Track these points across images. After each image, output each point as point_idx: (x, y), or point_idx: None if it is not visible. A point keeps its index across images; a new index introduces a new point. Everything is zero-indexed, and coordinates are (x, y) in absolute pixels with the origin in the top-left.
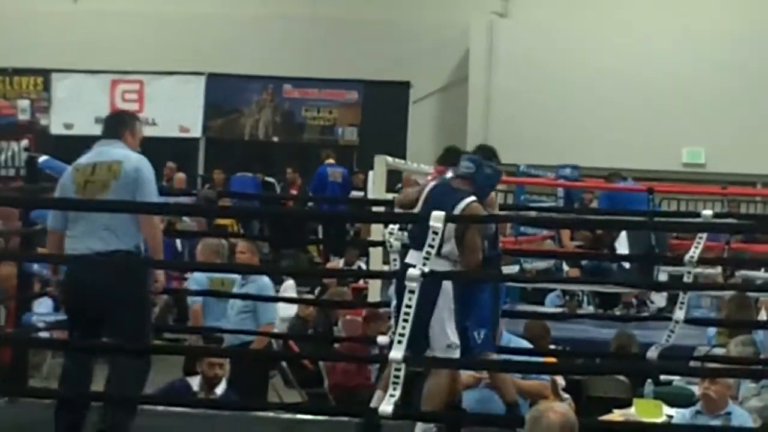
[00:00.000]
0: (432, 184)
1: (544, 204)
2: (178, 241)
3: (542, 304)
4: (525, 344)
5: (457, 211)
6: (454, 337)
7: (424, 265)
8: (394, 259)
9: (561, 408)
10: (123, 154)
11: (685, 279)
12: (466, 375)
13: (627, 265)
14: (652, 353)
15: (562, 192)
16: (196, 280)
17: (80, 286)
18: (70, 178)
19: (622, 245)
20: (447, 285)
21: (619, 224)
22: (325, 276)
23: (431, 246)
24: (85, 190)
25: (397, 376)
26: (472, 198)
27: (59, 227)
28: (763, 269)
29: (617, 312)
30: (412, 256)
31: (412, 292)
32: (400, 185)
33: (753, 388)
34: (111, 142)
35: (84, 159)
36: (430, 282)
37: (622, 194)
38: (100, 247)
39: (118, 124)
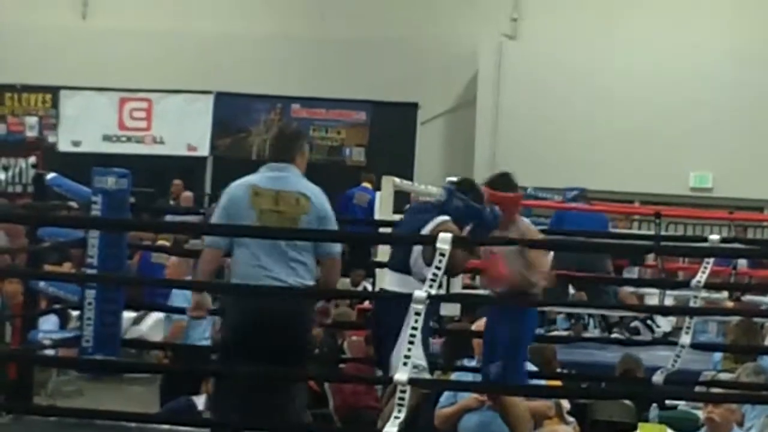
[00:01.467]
0: (408, 206)
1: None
2: None
3: (547, 326)
4: (529, 367)
5: (426, 230)
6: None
7: (430, 287)
8: None
9: (564, 429)
10: (306, 186)
11: (692, 304)
12: (471, 398)
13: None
14: (658, 378)
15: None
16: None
17: (270, 316)
18: (246, 200)
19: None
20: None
21: (621, 249)
22: (327, 297)
23: (438, 268)
24: (270, 220)
25: (402, 398)
26: (445, 218)
27: (223, 246)
28: None
29: (618, 334)
30: (389, 278)
31: (418, 314)
32: (408, 206)
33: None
34: (286, 167)
35: (260, 181)
36: (406, 305)
37: (574, 215)
38: (293, 281)
39: (291, 146)
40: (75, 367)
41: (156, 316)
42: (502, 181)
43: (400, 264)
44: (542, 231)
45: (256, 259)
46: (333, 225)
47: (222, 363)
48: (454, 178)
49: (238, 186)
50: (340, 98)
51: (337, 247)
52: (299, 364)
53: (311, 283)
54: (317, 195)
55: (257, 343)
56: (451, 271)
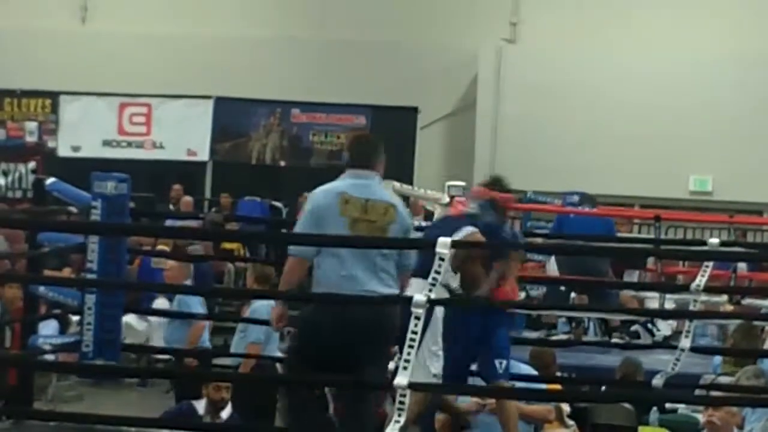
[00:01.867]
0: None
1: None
2: None
3: (547, 330)
4: (528, 370)
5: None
6: (435, 369)
7: (430, 291)
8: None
9: None
10: (391, 196)
11: (691, 307)
12: (471, 402)
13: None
14: (658, 381)
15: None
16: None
17: (358, 325)
18: (335, 207)
19: (551, 268)
20: (437, 314)
21: (619, 252)
22: (328, 302)
23: (437, 272)
24: (358, 229)
25: (402, 403)
26: (474, 229)
27: (309, 256)
28: None
29: (618, 338)
30: (414, 285)
31: (418, 318)
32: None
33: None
34: (370, 175)
35: (348, 188)
36: (428, 310)
37: (579, 219)
38: (383, 290)
39: (374, 153)
40: (76, 372)
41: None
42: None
43: (424, 271)
44: (544, 235)
45: (346, 269)
46: (411, 233)
47: (299, 371)
48: (488, 179)
49: (324, 192)
50: (340, 103)
51: (413, 260)
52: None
53: (397, 291)
54: (401, 205)
55: (349, 352)
56: (471, 287)
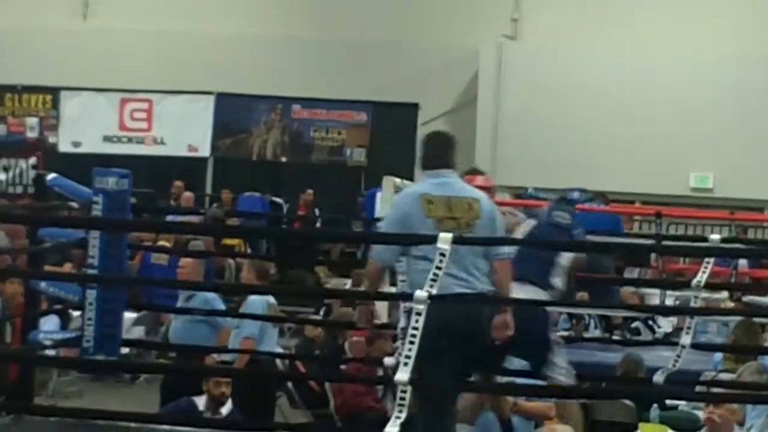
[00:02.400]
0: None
1: None
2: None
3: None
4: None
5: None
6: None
7: (431, 286)
8: (402, 281)
9: (562, 429)
10: (472, 190)
11: (692, 304)
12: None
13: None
14: (659, 378)
15: None
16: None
17: (478, 324)
18: (419, 207)
19: None
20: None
21: (620, 248)
22: (330, 297)
23: (438, 267)
24: (444, 227)
25: (402, 398)
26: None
27: (390, 260)
28: None
29: (619, 335)
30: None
31: (418, 314)
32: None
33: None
34: (449, 173)
35: (429, 189)
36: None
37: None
38: (481, 286)
39: (450, 151)
40: (76, 368)
41: None
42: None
43: (529, 274)
44: None
45: (448, 269)
46: (501, 226)
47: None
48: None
49: (407, 197)
50: (341, 99)
51: (506, 248)
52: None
53: (491, 288)
54: (484, 198)
55: (460, 351)
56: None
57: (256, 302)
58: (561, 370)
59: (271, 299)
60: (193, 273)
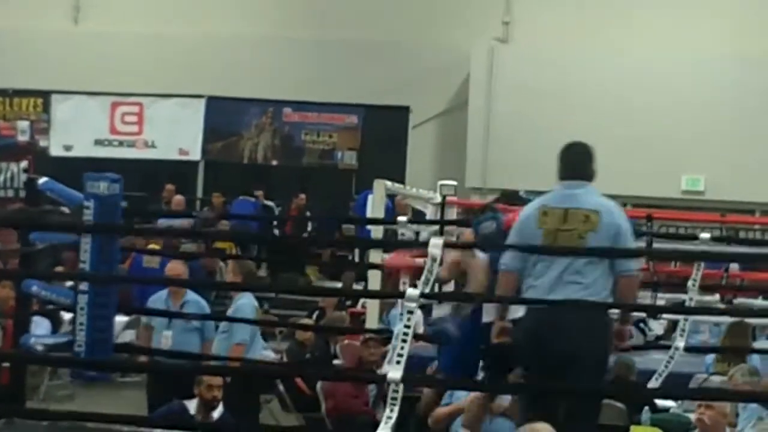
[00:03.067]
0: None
1: None
2: None
3: None
4: None
5: None
6: None
7: (423, 288)
8: (404, 282)
9: (543, 427)
10: (599, 202)
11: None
12: (465, 400)
13: None
14: (653, 383)
15: None
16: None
17: (552, 332)
18: (534, 219)
19: None
20: None
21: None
22: (321, 295)
23: (430, 272)
24: (556, 239)
25: (394, 398)
26: None
27: (516, 268)
28: (761, 297)
29: None
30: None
31: (411, 312)
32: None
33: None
34: (582, 185)
35: (550, 200)
36: None
37: None
38: (568, 297)
39: (589, 163)
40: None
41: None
42: None
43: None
44: None
45: (536, 279)
46: (628, 241)
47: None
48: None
49: (527, 208)
50: (332, 102)
51: (633, 264)
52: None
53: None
54: (610, 211)
55: (542, 359)
56: None
57: (246, 307)
58: None
59: (255, 302)
60: (179, 271)
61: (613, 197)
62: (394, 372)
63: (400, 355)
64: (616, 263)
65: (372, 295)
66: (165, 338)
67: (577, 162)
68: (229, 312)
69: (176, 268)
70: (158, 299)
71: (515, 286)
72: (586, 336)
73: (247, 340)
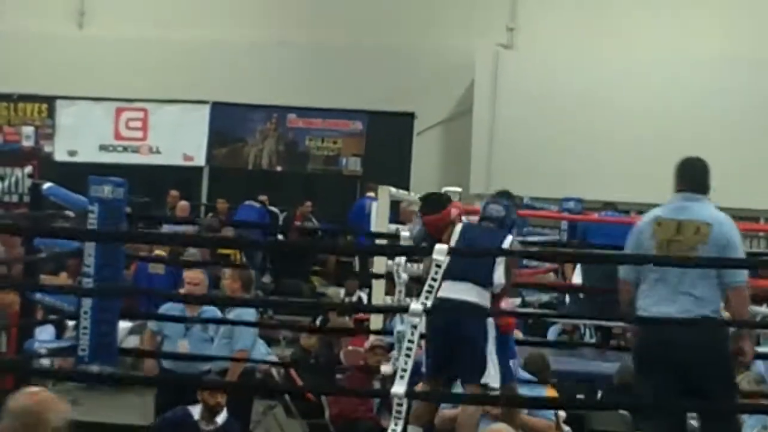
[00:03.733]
0: (462, 224)
1: (547, 236)
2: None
3: (544, 336)
4: (530, 378)
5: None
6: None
7: (426, 298)
8: (400, 291)
9: (501, 428)
10: (711, 215)
11: None
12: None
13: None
14: None
15: (566, 225)
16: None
17: (670, 348)
18: (649, 230)
19: (576, 275)
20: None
21: (621, 259)
22: (324, 308)
23: (434, 279)
24: (669, 250)
25: (399, 411)
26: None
27: (631, 278)
28: (765, 305)
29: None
30: (456, 289)
31: (414, 327)
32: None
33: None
34: (694, 197)
35: (665, 212)
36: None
37: (596, 226)
38: (674, 313)
39: (705, 176)
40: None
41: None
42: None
43: (479, 277)
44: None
45: (649, 290)
46: (737, 253)
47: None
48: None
49: (644, 218)
50: (337, 108)
51: (741, 276)
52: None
53: (707, 313)
54: (721, 223)
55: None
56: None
57: (247, 313)
58: None
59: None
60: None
61: (618, 204)
62: (398, 386)
63: (404, 370)
64: (724, 275)
65: (375, 310)
66: (182, 347)
67: (695, 175)
68: (230, 317)
69: (196, 276)
70: (174, 307)
71: (631, 296)
72: (709, 350)
73: (249, 347)
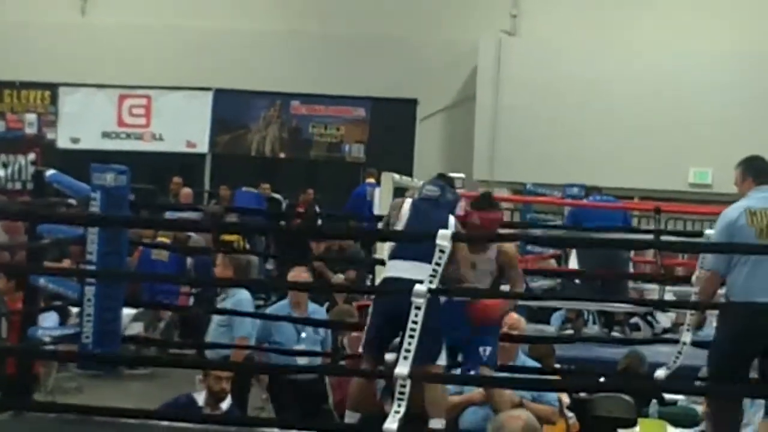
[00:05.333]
0: (409, 200)
1: (551, 222)
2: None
3: (547, 323)
4: (533, 364)
5: (450, 227)
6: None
7: (430, 282)
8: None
9: (520, 414)
10: None
11: (693, 299)
12: (476, 392)
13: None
14: (660, 374)
15: (567, 211)
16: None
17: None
18: (744, 219)
19: (572, 261)
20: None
21: (624, 244)
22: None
23: (438, 264)
24: (765, 236)
25: (402, 393)
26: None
27: (722, 270)
28: None
29: (619, 332)
30: (403, 268)
31: (418, 308)
32: (404, 199)
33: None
34: None
35: (751, 202)
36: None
37: (589, 211)
38: None
39: None
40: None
41: None
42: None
43: (420, 254)
44: (559, 227)
45: (752, 277)
46: None
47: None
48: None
49: (732, 209)
50: (340, 95)
51: None
52: None
53: None
54: None
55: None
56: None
57: (246, 301)
58: None
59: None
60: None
61: (620, 190)
62: (401, 367)
63: (408, 351)
64: None
65: (379, 290)
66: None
67: (766, 169)
68: (228, 306)
69: (300, 275)
70: (280, 309)
71: (717, 287)
72: None
73: (251, 333)
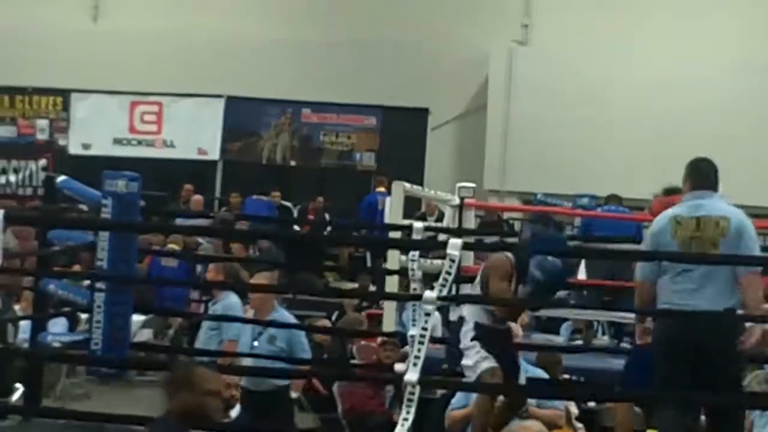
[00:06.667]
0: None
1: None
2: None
3: (557, 333)
4: (541, 373)
5: None
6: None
7: (441, 290)
8: (414, 288)
9: (532, 425)
10: (726, 209)
11: None
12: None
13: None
14: None
15: (580, 221)
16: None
17: (696, 341)
18: (668, 230)
19: (581, 272)
20: None
21: (635, 255)
22: (337, 296)
23: (449, 273)
24: (691, 247)
25: (411, 399)
26: None
27: (652, 278)
28: None
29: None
30: None
31: (428, 314)
32: (422, 211)
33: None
34: (706, 194)
35: (682, 211)
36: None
37: (601, 221)
38: (702, 304)
39: (715, 174)
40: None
41: None
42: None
43: None
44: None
45: (675, 285)
46: (753, 241)
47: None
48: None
49: (660, 218)
50: (351, 103)
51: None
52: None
53: (731, 305)
54: (737, 215)
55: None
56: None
57: (235, 304)
58: None
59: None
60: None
61: (631, 200)
62: (411, 374)
63: (417, 357)
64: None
65: (389, 297)
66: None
67: (708, 174)
68: (219, 311)
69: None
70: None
71: (653, 297)
72: (733, 339)
73: (238, 335)
